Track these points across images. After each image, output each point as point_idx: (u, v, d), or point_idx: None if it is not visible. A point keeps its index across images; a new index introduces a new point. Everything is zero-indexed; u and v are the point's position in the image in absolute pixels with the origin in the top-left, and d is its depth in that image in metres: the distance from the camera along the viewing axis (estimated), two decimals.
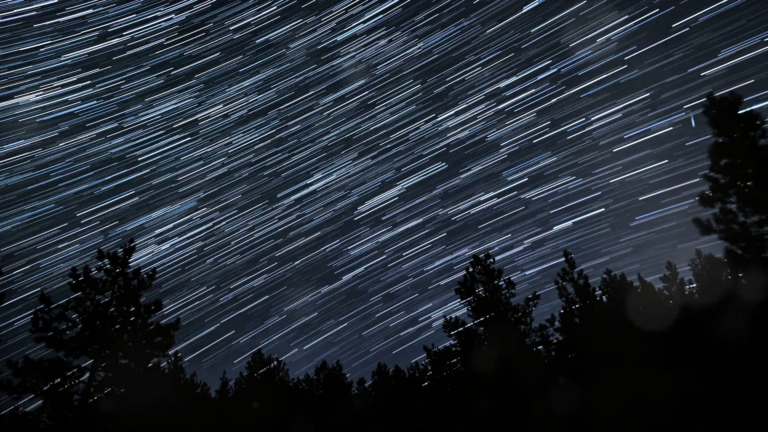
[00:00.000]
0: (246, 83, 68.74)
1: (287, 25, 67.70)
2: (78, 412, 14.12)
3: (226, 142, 70.46)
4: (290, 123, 71.84)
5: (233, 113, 69.82)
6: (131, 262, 16.48)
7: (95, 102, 61.04)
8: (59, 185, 58.89)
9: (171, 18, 61.09)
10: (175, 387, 20.56)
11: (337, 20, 66.35)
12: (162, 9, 60.59)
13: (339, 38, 67.84)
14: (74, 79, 57.97)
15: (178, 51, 64.91)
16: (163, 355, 15.87)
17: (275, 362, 25.99)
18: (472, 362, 19.39)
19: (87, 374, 14.60)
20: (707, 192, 13.95)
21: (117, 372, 14.83)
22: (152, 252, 60.56)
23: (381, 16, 66.96)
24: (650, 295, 19.27)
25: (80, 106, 59.21)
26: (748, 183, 13.40)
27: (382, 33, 68.19)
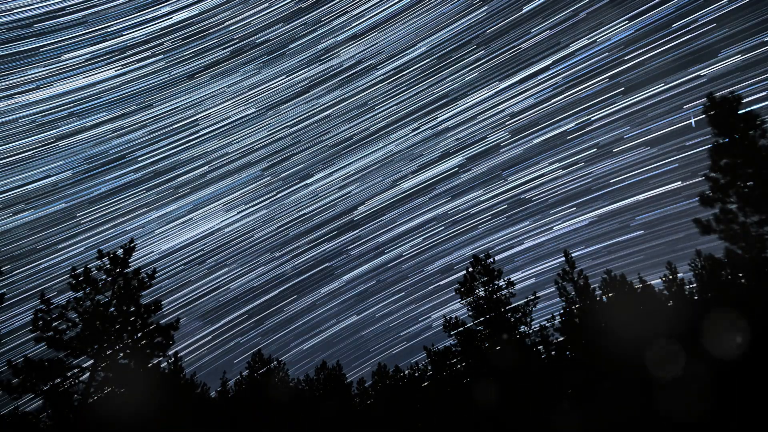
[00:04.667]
0: (305, 54, 68.84)
1: None
2: (78, 412, 14.12)
3: (285, 113, 70.96)
4: (350, 94, 71.48)
5: (295, 86, 70.28)
6: (131, 261, 16.53)
7: (167, 76, 63.28)
8: (135, 156, 61.71)
9: None
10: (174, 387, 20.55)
11: None
12: None
13: (397, 6, 66.40)
14: (147, 54, 61.03)
15: (242, 23, 65.59)
16: (163, 355, 15.89)
17: (275, 362, 26.00)
18: (472, 362, 19.39)
19: (87, 374, 14.62)
20: (707, 192, 13.95)
21: (117, 372, 14.84)
22: (219, 221, 64.40)
23: None
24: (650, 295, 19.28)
25: (155, 79, 61.11)
26: (748, 183, 13.40)
27: None
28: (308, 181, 72.35)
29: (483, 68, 65.41)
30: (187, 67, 65.25)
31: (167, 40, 62.25)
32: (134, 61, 61.30)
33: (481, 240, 62.15)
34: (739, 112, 14.11)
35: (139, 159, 64.26)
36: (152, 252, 60.05)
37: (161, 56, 62.30)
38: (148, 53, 61.06)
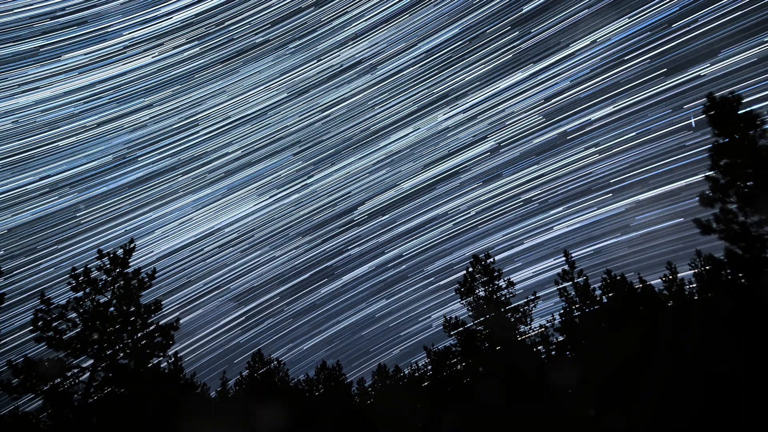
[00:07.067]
0: (338, 37, 68.57)
1: None
2: (78, 412, 14.12)
3: (317, 97, 70.93)
4: (381, 78, 70.97)
5: (327, 69, 70.22)
6: (132, 260, 16.56)
7: (205, 60, 64.56)
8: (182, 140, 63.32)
9: None
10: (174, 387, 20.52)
11: None
12: None
13: None
14: (183, 40, 62.39)
15: (274, 8, 65.79)
16: (163, 355, 15.89)
17: (275, 362, 26.00)
18: (472, 362, 19.39)
19: (87, 374, 14.62)
20: (707, 192, 13.95)
21: (117, 372, 14.84)
22: (252, 205, 66.34)
23: None
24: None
25: (154, 79, 62.50)
26: (748, 183, 13.40)
27: None
28: (308, 181, 72.22)
29: (516, 51, 64.22)
30: (187, 66, 65.39)
31: (167, 40, 62.50)
32: (133, 60, 61.49)
33: (481, 240, 61.94)
34: (739, 112, 14.10)
35: (139, 159, 64.14)
36: (151, 252, 60.12)
37: (159, 56, 62.42)
38: (148, 53, 61.29)
